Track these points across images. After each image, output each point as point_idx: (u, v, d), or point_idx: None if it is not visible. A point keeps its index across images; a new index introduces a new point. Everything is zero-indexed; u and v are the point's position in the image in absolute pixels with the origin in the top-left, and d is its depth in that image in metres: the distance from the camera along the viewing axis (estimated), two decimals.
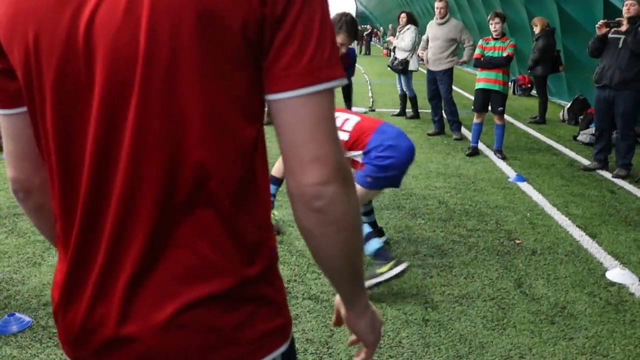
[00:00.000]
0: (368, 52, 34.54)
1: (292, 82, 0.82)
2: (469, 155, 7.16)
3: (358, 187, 3.47)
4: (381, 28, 45.40)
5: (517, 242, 4.38)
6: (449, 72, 8.12)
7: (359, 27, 32.32)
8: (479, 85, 7.02)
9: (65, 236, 0.93)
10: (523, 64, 13.41)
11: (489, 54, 6.88)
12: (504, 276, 3.77)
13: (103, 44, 0.82)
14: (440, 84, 8.17)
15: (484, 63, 6.89)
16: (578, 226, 4.77)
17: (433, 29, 8.16)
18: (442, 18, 8.03)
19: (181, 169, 0.85)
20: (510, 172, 6.43)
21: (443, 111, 8.49)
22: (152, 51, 0.80)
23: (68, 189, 0.90)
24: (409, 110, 10.18)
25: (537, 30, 9.78)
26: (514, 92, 13.87)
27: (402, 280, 3.64)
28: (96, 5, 0.82)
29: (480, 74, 7.03)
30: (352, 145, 3.51)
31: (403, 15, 9.69)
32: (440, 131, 8.55)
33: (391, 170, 3.45)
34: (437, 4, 8.07)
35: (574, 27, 10.00)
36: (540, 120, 9.91)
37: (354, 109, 10.99)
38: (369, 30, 37.03)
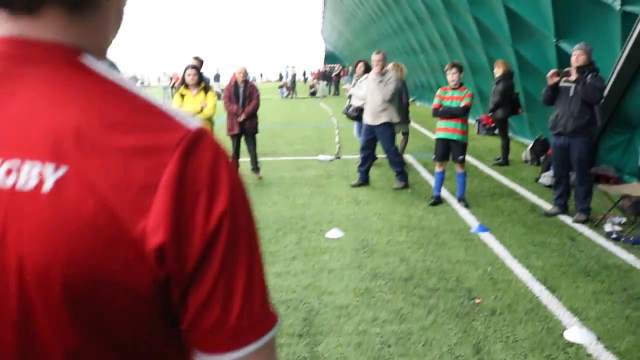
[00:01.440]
0: (337, 92, 34.93)
1: (221, 346, 0.71)
2: (432, 204, 7.18)
3: None
4: (349, 68, 46.13)
5: (477, 301, 4.35)
6: (388, 125, 8.08)
7: (328, 68, 32.75)
8: (439, 134, 7.10)
9: None
10: (486, 104, 13.68)
11: (447, 103, 6.97)
12: (463, 341, 3.73)
13: None
14: (381, 139, 8.14)
15: (442, 113, 6.99)
16: (538, 279, 4.77)
17: (371, 82, 8.15)
18: (380, 71, 8.07)
19: None
20: (473, 222, 6.46)
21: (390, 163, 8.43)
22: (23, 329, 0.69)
23: None
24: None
25: (498, 73, 9.99)
26: (478, 132, 14.11)
27: (359, 351, 3.58)
28: None
29: (439, 123, 7.12)
30: None
31: (360, 64, 9.79)
32: (364, 182, 8.46)
33: None
34: (374, 57, 8.12)
35: (531, 70, 10.24)
36: (503, 162, 10.04)
37: (320, 157, 11.04)
38: (338, 71, 37.54)
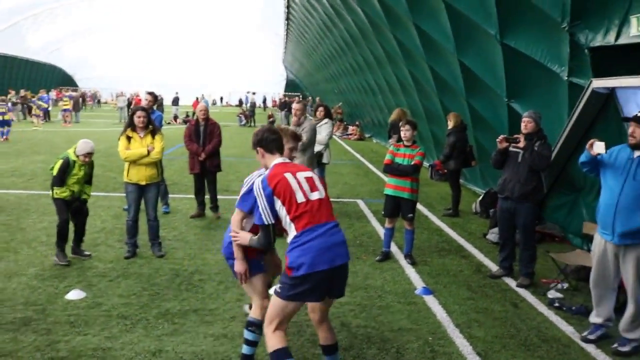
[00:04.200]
0: None
1: None
2: (380, 260, 7.12)
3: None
4: (310, 98, 46.40)
5: None
6: None
7: (286, 97, 33.40)
8: (388, 191, 7.07)
9: None
10: (440, 150, 13.86)
11: (399, 160, 6.97)
12: None
13: None
14: None
15: (392, 170, 6.98)
16: (478, 353, 4.72)
17: None
18: (297, 121, 8.12)
19: None
20: (418, 282, 6.41)
21: None
22: None
23: None
24: None
25: (450, 125, 10.12)
26: (431, 177, 14.22)
27: None
28: None
29: (390, 180, 7.10)
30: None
31: (321, 109, 9.79)
32: None
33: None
34: (294, 105, 8.25)
35: (484, 123, 10.42)
36: (453, 213, 10.11)
37: None
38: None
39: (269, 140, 3.88)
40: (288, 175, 3.70)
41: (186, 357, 4.46)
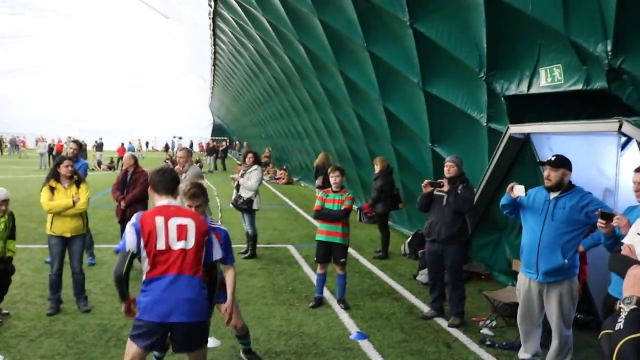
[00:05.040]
0: (224, 167, 34.73)
1: None
2: (313, 307, 7.11)
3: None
4: (237, 142, 46.47)
5: None
6: None
7: (214, 142, 33.18)
8: (320, 237, 7.14)
9: None
10: (368, 193, 14.15)
11: (329, 206, 7.07)
12: None
13: None
14: None
15: (323, 216, 7.06)
16: None
17: None
18: (181, 169, 8.45)
19: None
20: (352, 327, 6.44)
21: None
22: None
23: None
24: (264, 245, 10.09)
25: (377, 169, 10.38)
26: (360, 220, 14.45)
27: None
28: None
29: (321, 226, 7.18)
30: None
31: (250, 155, 9.85)
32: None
33: None
34: (178, 153, 8.97)
35: (410, 167, 10.76)
36: (383, 256, 10.28)
37: None
38: (224, 147, 37.47)
39: (156, 182, 3.97)
40: (158, 220, 3.74)
41: None
